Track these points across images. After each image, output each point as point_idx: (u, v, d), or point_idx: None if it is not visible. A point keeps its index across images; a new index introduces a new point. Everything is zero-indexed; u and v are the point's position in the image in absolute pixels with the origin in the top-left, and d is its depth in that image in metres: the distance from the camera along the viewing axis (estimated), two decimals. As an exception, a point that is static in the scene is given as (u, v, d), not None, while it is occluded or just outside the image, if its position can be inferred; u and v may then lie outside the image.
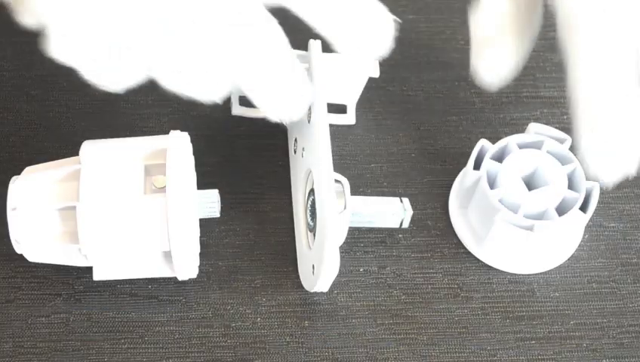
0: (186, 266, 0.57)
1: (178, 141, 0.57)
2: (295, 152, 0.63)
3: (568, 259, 0.62)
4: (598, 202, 0.61)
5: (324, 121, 0.58)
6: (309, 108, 0.58)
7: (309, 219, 0.60)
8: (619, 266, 0.62)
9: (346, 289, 0.61)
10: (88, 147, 0.58)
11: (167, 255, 0.57)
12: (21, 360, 0.59)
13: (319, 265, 0.56)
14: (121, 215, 0.55)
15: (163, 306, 0.61)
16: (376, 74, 0.63)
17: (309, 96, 0.55)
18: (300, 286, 0.61)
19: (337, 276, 0.61)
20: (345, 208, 0.58)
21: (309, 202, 0.60)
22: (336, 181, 0.58)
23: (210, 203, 0.58)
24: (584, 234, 0.63)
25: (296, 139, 0.63)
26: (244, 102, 0.63)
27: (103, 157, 0.57)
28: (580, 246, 0.63)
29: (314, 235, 0.58)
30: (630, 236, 0.63)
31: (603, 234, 0.63)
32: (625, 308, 0.61)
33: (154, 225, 0.55)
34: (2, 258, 0.61)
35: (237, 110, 0.64)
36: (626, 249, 0.63)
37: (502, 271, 0.62)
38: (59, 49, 0.53)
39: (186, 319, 0.60)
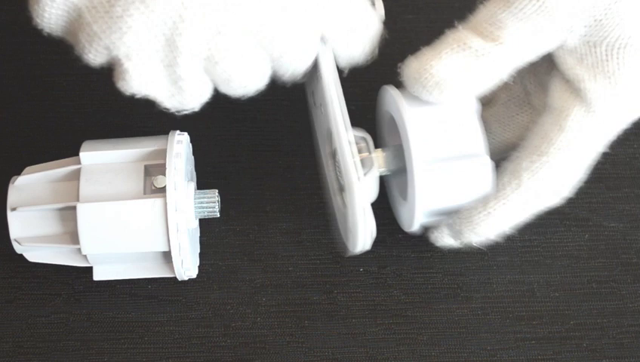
0: (186, 266, 0.57)
1: (178, 141, 0.57)
2: (315, 104, 0.60)
3: (568, 259, 0.62)
4: (598, 202, 0.61)
5: (333, 77, 0.56)
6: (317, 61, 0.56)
7: (340, 179, 0.57)
8: (619, 266, 0.62)
9: (346, 289, 0.61)
10: (88, 147, 0.58)
11: (167, 255, 0.57)
12: (21, 360, 0.59)
13: (353, 228, 0.54)
14: (121, 215, 0.55)
15: (163, 306, 0.61)
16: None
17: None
18: (300, 286, 0.61)
19: (337, 276, 0.61)
20: (372, 167, 0.56)
21: (335, 162, 0.57)
22: (360, 138, 0.57)
23: (210, 203, 0.58)
24: (584, 234, 0.63)
25: (312, 92, 0.60)
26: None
27: (103, 157, 0.57)
28: (579, 246, 0.63)
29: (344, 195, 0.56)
30: (630, 236, 0.63)
31: (603, 234, 0.63)
32: (625, 308, 0.61)
33: (153, 226, 0.55)
34: (2, 258, 0.61)
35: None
36: (626, 249, 0.63)
37: (502, 271, 0.62)
38: (139, 83, 0.53)
39: (186, 319, 0.60)
